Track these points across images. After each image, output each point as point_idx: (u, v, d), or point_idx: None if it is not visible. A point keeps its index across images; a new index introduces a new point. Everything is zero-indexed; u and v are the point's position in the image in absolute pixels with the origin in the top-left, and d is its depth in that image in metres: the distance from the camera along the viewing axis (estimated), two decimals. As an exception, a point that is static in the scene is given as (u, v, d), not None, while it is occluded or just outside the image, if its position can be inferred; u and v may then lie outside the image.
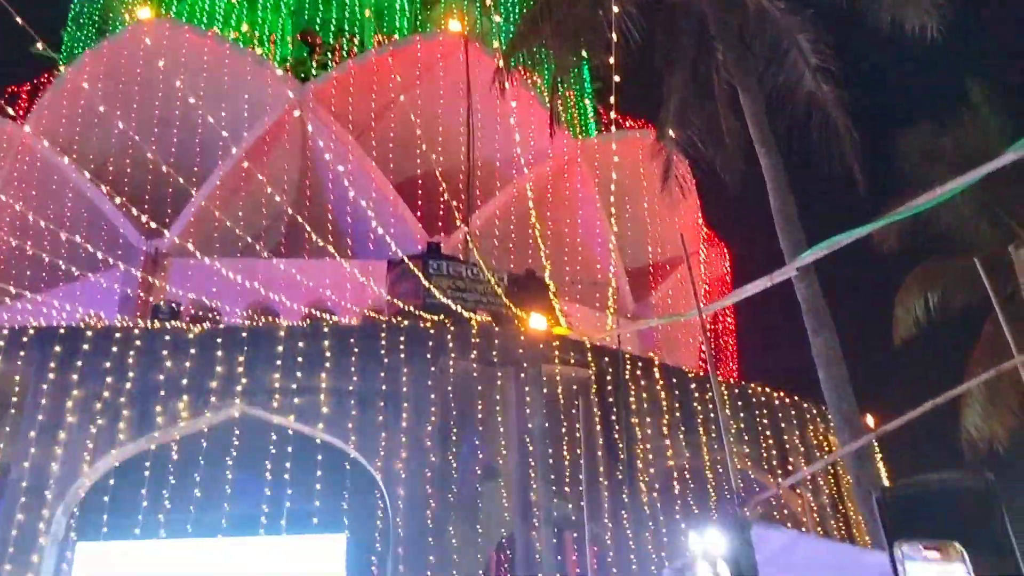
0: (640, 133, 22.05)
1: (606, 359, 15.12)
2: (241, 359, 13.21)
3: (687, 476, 15.15)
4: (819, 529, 14.64)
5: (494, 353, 14.14)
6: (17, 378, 12.97)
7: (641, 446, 14.70)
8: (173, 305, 15.70)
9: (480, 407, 13.87)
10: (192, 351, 13.23)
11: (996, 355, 10.12)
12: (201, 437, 12.86)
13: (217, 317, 16.71)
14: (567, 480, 13.87)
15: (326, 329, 14.10)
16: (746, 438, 15.87)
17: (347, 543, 13.24)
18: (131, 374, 12.97)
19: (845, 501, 15.91)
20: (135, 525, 12.47)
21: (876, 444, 12.75)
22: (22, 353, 13.10)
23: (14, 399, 12.85)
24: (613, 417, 14.51)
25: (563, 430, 14.17)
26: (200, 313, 16.67)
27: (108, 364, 12.97)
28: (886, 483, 11.75)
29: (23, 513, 11.88)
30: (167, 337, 13.45)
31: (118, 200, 18.30)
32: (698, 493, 15.00)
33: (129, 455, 12.81)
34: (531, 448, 13.34)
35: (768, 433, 16.32)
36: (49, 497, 12.10)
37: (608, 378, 14.87)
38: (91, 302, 16.66)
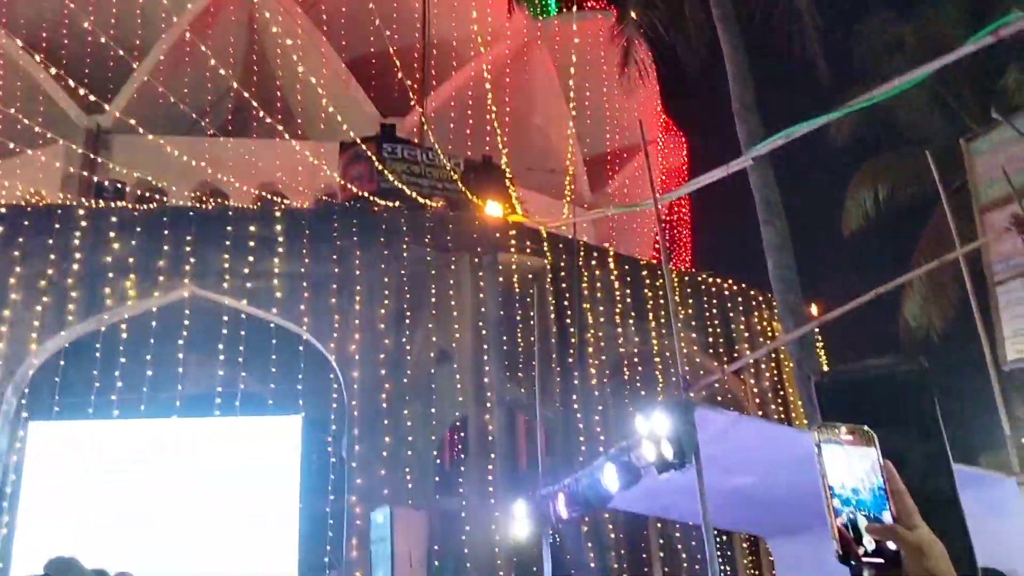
0: (602, 14, 21.43)
1: (561, 247, 15.19)
2: (189, 239, 12.97)
3: (636, 362, 15.57)
4: (759, 412, 15.30)
5: (449, 239, 14.08)
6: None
7: (593, 333, 14.99)
8: (118, 184, 15.21)
9: (434, 292, 13.92)
10: (138, 231, 12.93)
11: (940, 247, 10.37)
12: (151, 318, 12.74)
13: (163, 198, 16.26)
14: (520, 365, 14.15)
15: (277, 212, 13.85)
16: (694, 325, 16.27)
17: (303, 424, 13.44)
18: (77, 255, 12.67)
19: (786, 386, 16.57)
20: (87, 405, 12.46)
21: (818, 332, 13.19)
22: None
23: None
24: (566, 304, 14.70)
25: (517, 317, 14.34)
26: (146, 194, 16.19)
27: (51, 242, 12.65)
28: (825, 369, 12.21)
29: (-30, 392, 11.78)
30: (113, 217, 13.11)
31: (54, 71, 17.36)
32: (646, 378, 15.47)
33: (78, 335, 12.68)
34: (485, 333, 13.51)
35: (716, 321, 16.75)
36: (-3, 376, 12.00)
37: (563, 266, 14.98)
38: (31, 179, 16.04)
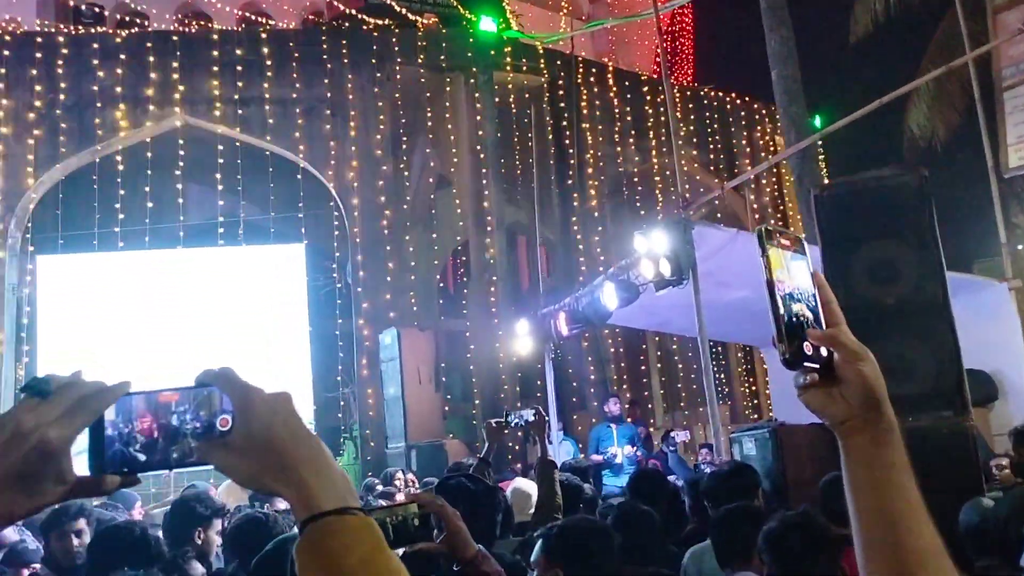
0: None
1: (558, 64, 14.71)
2: (176, 66, 12.56)
3: (636, 181, 15.51)
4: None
5: (442, 59, 13.61)
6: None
7: (592, 152, 14.83)
8: (95, 8, 14.52)
9: (430, 116, 13.64)
10: (123, 58, 12.49)
11: (949, 52, 10.03)
12: (146, 148, 12.56)
13: (145, 22, 15.55)
14: (519, 187, 14.11)
15: (263, 34, 13.31)
16: (695, 141, 16.06)
17: (306, 252, 13.61)
18: (62, 84, 12.31)
19: (786, 201, 16.61)
20: (92, 238, 12.55)
21: (820, 145, 13.01)
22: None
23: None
24: (564, 124, 14.44)
25: (515, 138, 14.12)
26: (126, 18, 15.48)
27: (35, 72, 12.25)
28: (826, 182, 12.19)
29: (-26, 228, 11.84)
30: (95, 44, 12.61)
31: None
32: (646, 197, 15.47)
33: (73, 168, 12.55)
34: (483, 156, 13.36)
35: (717, 137, 16.52)
36: (-1, 211, 12.02)
37: (560, 84, 14.58)
38: (4, 4, 15.28)
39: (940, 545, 0.87)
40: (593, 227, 14.45)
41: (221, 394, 0.84)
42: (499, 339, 12.01)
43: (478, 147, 13.38)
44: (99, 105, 12.36)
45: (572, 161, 14.47)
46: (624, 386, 14.20)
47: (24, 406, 0.78)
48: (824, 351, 0.92)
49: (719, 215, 15.54)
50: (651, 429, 12.92)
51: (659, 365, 16.23)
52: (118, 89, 12.41)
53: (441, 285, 16.20)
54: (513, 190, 14.06)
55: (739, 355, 16.72)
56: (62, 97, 12.30)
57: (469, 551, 2.28)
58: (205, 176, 12.70)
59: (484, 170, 13.29)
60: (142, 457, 0.82)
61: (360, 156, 12.89)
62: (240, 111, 12.65)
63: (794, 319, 0.92)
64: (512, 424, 4.72)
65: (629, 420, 10.62)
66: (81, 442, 0.80)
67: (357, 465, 12.33)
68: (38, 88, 12.25)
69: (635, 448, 9.43)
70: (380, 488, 6.97)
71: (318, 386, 13.47)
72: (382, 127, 13.07)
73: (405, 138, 13.38)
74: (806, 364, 0.91)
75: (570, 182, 14.48)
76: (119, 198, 12.39)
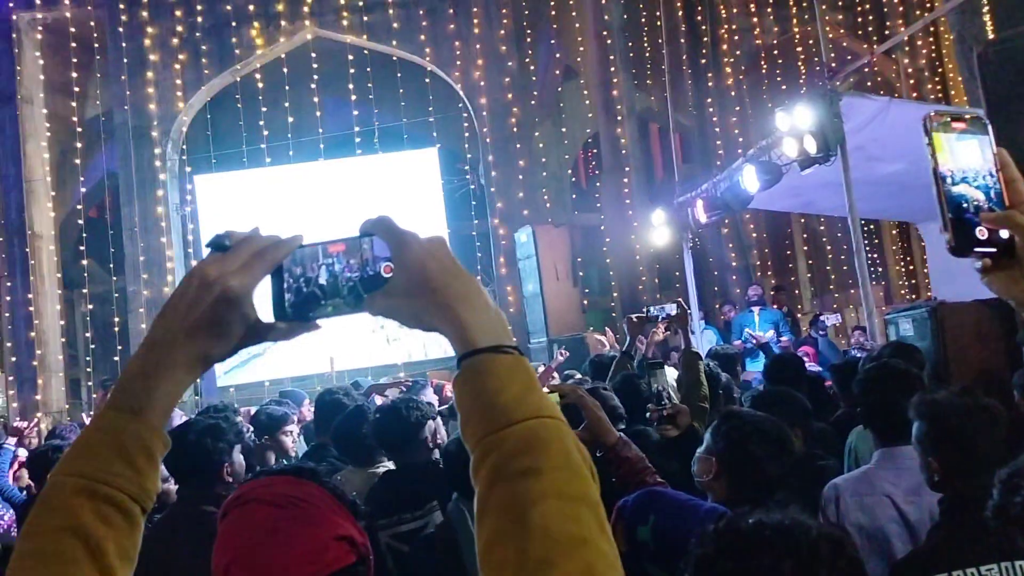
0: None
1: (686, -66, 13.82)
2: (302, -23, 12.77)
3: (775, 54, 14.59)
4: (914, 95, 14.22)
5: (563, -59, 13.09)
6: (92, 23, 12.98)
7: (726, 27, 14.01)
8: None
9: (552, 4, 13.24)
10: (250, -24, 12.79)
11: None
12: (281, 65, 12.96)
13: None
14: (648, 72, 13.60)
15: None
16: (840, 4, 14.82)
17: (439, 155, 13.80)
18: (198, 7, 12.78)
19: (944, 63, 15.16)
20: (240, 156, 13.23)
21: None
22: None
23: (96, 44, 12.99)
24: (695, -1, 13.67)
25: (642, 19, 13.53)
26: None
27: (173, -2, 12.79)
28: (991, 38, 11.02)
29: (137, 152, 12.71)
30: (221, -36, 12.96)
31: None
32: (786, 71, 14.55)
33: (217, 89, 13.15)
34: (610, 42, 12.90)
35: (865, -3, 15.15)
36: (155, 135, 12.81)
37: (689, -44, 13.73)
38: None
39: None
40: (730, 107, 13.80)
41: (382, 242, 0.88)
42: (634, 231, 11.87)
43: (604, 33, 12.92)
44: (234, 24, 12.77)
45: (705, 39, 13.74)
46: (768, 272, 13.80)
47: (208, 260, 0.87)
48: (1005, 233, 0.86)
49: (868, 84, 14.42)
50: (799, 315, 12.56)
51: (805, 248, 15.61)
52: (251, 7, 12.75)
53: (573, 180, 16.08)
54: (642, 75, 13.57)
55: (893, 232, 15.80)
56: (200, 20, 12.78)
57: (610, 438, 2.34)
58: (338, 87, 12.98)
59: (611, 57, 12.86)
60: (316, 305, 0.88)
61: (485, 54, 12.76)
62: (366, 18, 12.75)
63: (964, 204, 0.87)
64: (653, 317, 4.71)
65: (775, 307, 10.38)
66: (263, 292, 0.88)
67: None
68: (178, 13, 12.77)
69: (779, 333, 9.24)
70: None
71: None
72: (505, 22, 12.84)
73: (529, 31, 13.11)
74: (978, 249, 0.86)
75: (704, 61, 13.81)
76: (261, 115, 12.92)
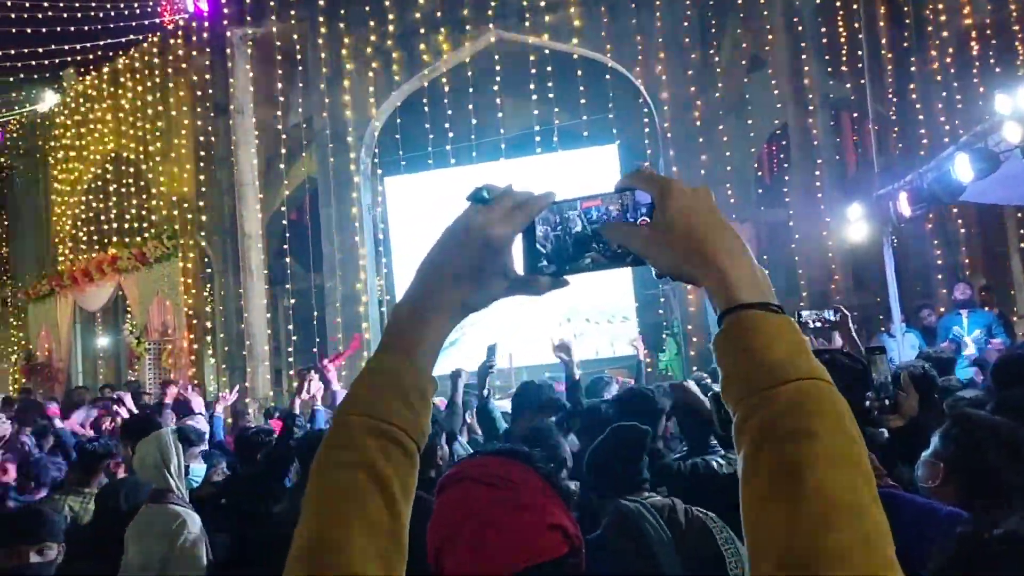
0: None
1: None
2: (486, -17, 13.10)
3: (988, 33, 13.29)
4: None
5: (749, -73, 12.60)
6: (295, 37, 13.97)
7: (931, 6, 12.95)
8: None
9: (740, -8, 12.79)
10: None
11: None
12: (465, 68, 13.36)
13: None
14: (843, 58, 12.82)
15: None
16: (1069, -26, 13.29)
17: (619, 151, 13.71)
18: (389, 16, 13.43)
19: None
20: (427, 157, 13.79)
21: None
22: (292, 12, 13.94)
23: (298, 56, 13.97)
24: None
25: (837, 3, 12.77)
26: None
27: (368, 8, 13.49)
28: None
29: (334, 157, 13.54)
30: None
31: None
32: (1002, 50, 13.22)
33: (406, 95, 13.76)
34: (800, 29, 12.28)
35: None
36: (351, 140, 13.59)
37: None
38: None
39: None
40: (935, 93, 12.72)
41: (641, 195, 0.86)
42: (826, 226, 11.24)
43: (795, 19, 12.32)
44: (422, 31, 13.32)
45: (908, 20, 12.75)
46: (978, 270, 12.63)
47: (470, 210, 0.91)
48: None
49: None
50: (1014, 317, 11.40)
51: (1022, 245, 14.14)
52: (437, 15, 13.24)
53: (759, 174, 15.46)
54: (836, 62, 12.81)
55: None
56: (391, 28, 13.42)
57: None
58: (519, 88, 13.21)
59: (802, 43, 12.23)
60: (573, 258, 0.88)
61: (667, 47, 12.53)
62: (547, 18, 12.88)
63: None
64: (805, 324, 4.42)
65: (986, 309, 9.50)
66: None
67: (679, 360, 12.46)
68: (371, 24, 13.48)
69: (991, 335, 8.44)
70: (708, 381, 6.97)
71: (638, 284, 13.72)
72: (688, 13, 12.54)
73: (713, 20, 12.73)
74: None
75: (905, 44, 12.82)
76: (447, 117, 13.39)
